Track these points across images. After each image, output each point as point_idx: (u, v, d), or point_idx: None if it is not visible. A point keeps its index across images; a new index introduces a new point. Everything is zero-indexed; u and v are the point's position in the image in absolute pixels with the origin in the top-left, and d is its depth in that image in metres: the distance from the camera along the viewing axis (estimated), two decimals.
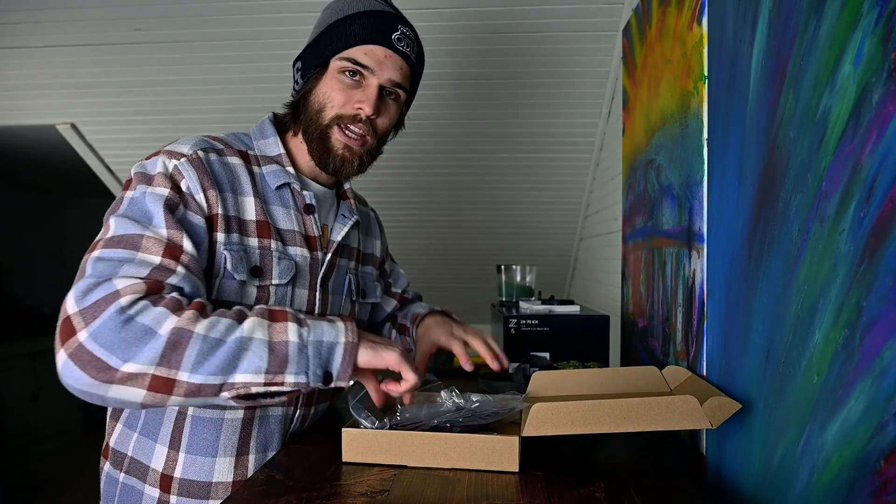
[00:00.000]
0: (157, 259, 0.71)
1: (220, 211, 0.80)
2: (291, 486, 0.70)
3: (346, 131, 0.87)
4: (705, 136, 0.88)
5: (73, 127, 2.05)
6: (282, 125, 0.95)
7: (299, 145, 0.93)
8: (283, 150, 0.91)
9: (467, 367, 0.95)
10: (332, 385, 0.73)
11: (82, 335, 0.64)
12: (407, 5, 1.58)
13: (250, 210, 0.84)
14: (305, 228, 0.90)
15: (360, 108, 0.86)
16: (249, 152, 0.90)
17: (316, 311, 0.91)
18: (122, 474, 0.84)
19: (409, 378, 0.76)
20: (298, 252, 0.88)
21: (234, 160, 0.86)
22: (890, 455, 0.47)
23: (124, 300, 0.66)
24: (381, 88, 0.88)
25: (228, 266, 0.80)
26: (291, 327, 0.71)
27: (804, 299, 0.60)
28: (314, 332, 0.72)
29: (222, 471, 0.82)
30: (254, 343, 0.68)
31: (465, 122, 1.92)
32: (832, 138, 0.56)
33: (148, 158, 0.81)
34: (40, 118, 2.03)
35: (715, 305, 0.84)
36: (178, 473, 0.81)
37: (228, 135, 0.91)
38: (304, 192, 0.90)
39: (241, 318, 0.71)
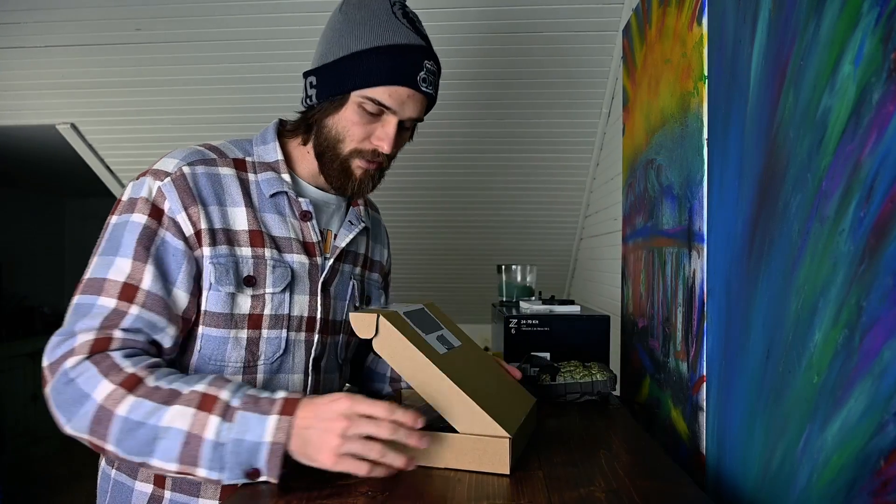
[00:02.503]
0: (112, 303, 0.76)
1: (203, 226, 0.82)
2: (291, 485, 0.70)
3: (366, 161, 0.89)
4: (705, 136, 0.88)
5: (73, 127, 2.05)
6: (286, 130, 0.95)
7: (305, 154, 0.93)
8: (281, 157, 0.91)
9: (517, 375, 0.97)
10: (263, 479, 0.69)
11: (47, 389, 0.74)
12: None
13: (241, 220, 0.85)
14: (303, 235, 0.91)
15: (380, 146, 0.87)
16: (247, 159, 0.90)
17: (318, 316, 0.91)
18: (114, 471, 0.86)
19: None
20: (296, 259, 0.89)
21: (225, 170, 0.87)
22: (890, 455, 0.47)
23: (69, 363, 0.73)
24: (400, 122, 0.88)
25: (213, 279, 0.82)
26: (213, 421, 0.69)
27: (804, 299, 0.60)
28: (237, 427, 0.68)
29: None
30: (171, 433, 0.69)
31: (464, 122, 1.92)
32: (832, 138, 0.56)
33: (138, 178, 0.84)
34: (40, 118, 2.03)
35: (715, 305, 0.84)
36: None
37: (228, 141, 0.92)
38: (300, 200, 0.90)
39: (168, 401, 0.70)
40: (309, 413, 0.69)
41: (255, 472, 0.69)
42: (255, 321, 0.85)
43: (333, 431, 0.67)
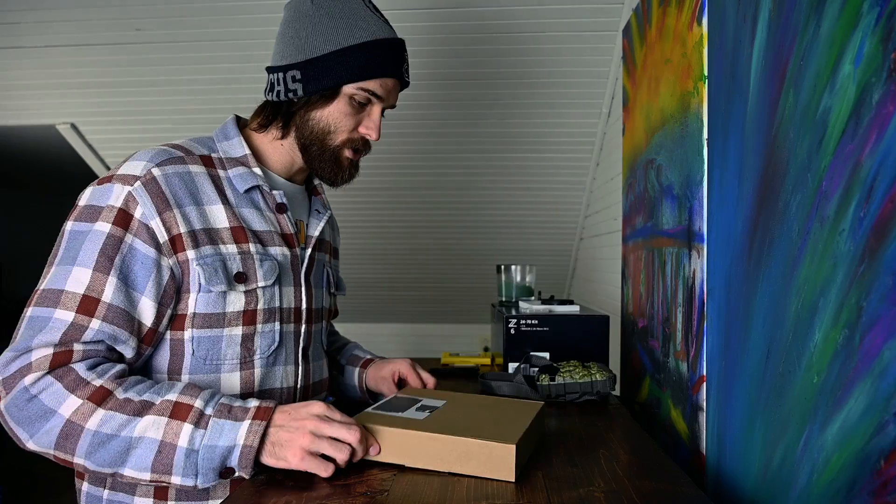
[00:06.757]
0: (70, 316, 0.73)
1: (183, 229, 0.80)
2: (291, 485, 0.70)
3: (353, 150, 0.93)
4: (705, 136, 0.88)
5: (73, 127, 2.05)
6: (258, 125, 0.95)
7: (278, 147, 0.94)
8: (248, 151, 0.91)
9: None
10: (236, 477, 0.73)
11: (2, 404, 0.71)
12: (408, 6, 1.58)
13: (221, 218, 0.84)
14: (281, 227, 0.91)
15: (369, 134, 0.92)
16: (213, 155, 0.89)
17: (304, 306, 0.93)
18: (107, 491, 0.82)
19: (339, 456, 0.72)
20: (279, 251, 0.89)
21: (196, 168, 0.85)
22: (890, 455, 0.47)
23: (29, 379, 0.70)
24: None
25: (203, 281, 0.80)
26: (186, 430, 0.70)
27: (804, 299, 0.60)
28: (211, 434, 0.71)
29: None
30: (143, 442, 0.70)
31: (464, 122, 1.92)
32: (832, 138, 0.56)
33: (101, 183, 0.80)
34: (40, 118, 2.03)
35: (715, 305, 0.84)
36: None
37: (189, 140, 0.91)
38: (274, 192, 0.90)
39: (141, 412, 0.71)
40: (284, 416, 0.73)
41: (228, 471, 0.72)
42: (249, 317, 0.85)
43: (304, 430, 0.71)
